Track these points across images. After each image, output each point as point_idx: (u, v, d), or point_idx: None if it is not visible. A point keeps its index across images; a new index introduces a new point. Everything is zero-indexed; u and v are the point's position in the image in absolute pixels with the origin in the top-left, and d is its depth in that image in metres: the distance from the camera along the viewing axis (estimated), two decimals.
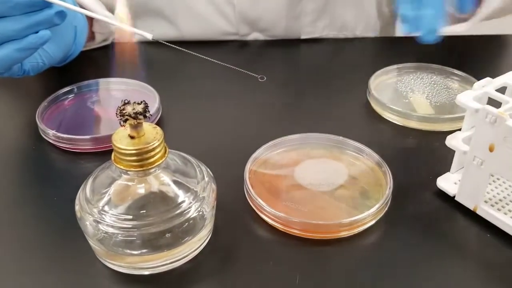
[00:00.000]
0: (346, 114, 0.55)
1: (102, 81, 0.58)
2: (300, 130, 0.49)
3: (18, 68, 0.49)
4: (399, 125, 0.52)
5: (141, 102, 0.34)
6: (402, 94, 0.56)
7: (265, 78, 0.40)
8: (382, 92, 0.55)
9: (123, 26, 0.43)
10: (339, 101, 0.57)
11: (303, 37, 0.71)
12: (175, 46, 0.40)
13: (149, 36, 0.40)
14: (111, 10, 0.69)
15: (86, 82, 0.57)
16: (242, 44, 0.71)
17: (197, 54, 0.40)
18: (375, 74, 0.57)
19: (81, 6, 0.62)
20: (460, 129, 0.42)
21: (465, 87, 0.57)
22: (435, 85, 0.58)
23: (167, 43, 0.40)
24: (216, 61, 0.40)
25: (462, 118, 0.42)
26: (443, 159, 0.45)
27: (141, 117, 0.33)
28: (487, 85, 0.40)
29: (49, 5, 0.45)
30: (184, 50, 0.40)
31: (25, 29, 0.45)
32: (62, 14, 0.46)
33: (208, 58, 0.40)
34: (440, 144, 0.43)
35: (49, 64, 0.53)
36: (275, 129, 0.51)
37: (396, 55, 0.64)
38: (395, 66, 0.59)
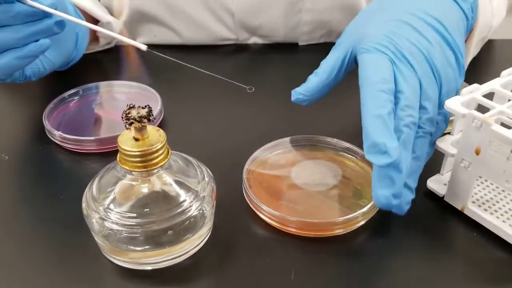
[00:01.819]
0: (341, 116, 0.56)
1: (106, 83, 0.60)
2: (297, 132, 0.50)
3: (20, 74, 0.50)
4: None
5: (145, 106, 0.35)
6: None
7: (253, 89, 0.42)
8: None
9: (118, 36, 0.44)
10: (335, 104, 0.59)
11: (301, 43, 0.72)
12: (170, 58, 0.42)
13: (143, 48, 0.41)
14: (116, 15, 0.70)
15: (90, 85, 0.59)
16: (242, 47, 0.72)
17: (196, 68, 0.41)
18: None
19: (83, 10, 0.64)
20: (449, 133, 0.44)
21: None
22: None
23: (164, 55, 0.42)
24: (209, 73, 0.41)
25: (452, 122, 0.44)
26: (433, 161, 0.47)
27: (145, 120, 0.35)
28: (474, 91, 0.42)
29: (49, 14, 0.46)
30: (182, 62, 0.42)
31: (26, 38, 0.46)
32: (61, 24, 0.47)
33: (203, 70, 0.41)
34: None
35: (50, 69, 0.54)
36: (273, 131, 0.52)
37: None
38: None
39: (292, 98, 0.47)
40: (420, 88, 0.41)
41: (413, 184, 0.40)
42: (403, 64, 0.41)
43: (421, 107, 0.41)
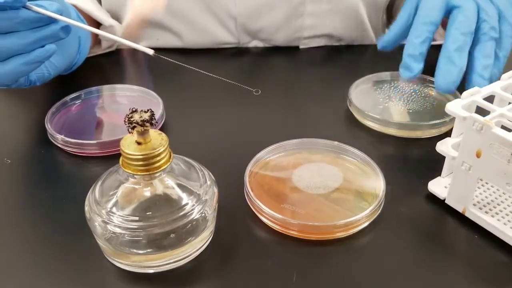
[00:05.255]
0: (342, 119, 0.57)
1: (108, 87, 0.60)
2: (299, 135, 0.50)
3: (25, 79, 0.50)
4: (393, 131, 0.54)
5: (148, 110, 0.35)
6: (379, 101, 0.57)
7: (260, 91, 0.42)
8: (361, 99, 0.56)
9: (125, 41, 0.44)
10: (336, 107, 0.59)
11: (301, 47, 0.72)
12: (177, 62, 0.42)
13: (150, 52, 0.42)
14: (118, 19, 0.70)
15: (92, 89, 0.59)
16: (242, 50, 0.72)
17: (201, 71, 0.42)
18: (355, 83, 0.59)
19: (85, 13, 0.64)
20: (444, 134, 0.44)
21: (444, 95, 0.57)
22: (413, 93, 0.59)
23: (170, 59, 0.42)
24: (216, 76, 0.42)
25: (443, 124, 0.43)
26: (434, 164, 0.47)
27: (147, 124, 0.35)
28: (475, 94, 0.42)
29: (54, 20, 0.46)
30: (189, 66, 0.42)
31: (32, 43, 0.46)
32: (67, 29, 0.47)
33: (210, 74, 0.41)
34: (432, 149, 0.44)
35: (55, 74, 0.54)
36: (274, 133, 0.52)
37: (379, 62, 0.65)
38: (373, 75, 0.61)
39: (378, 47, 0.59)
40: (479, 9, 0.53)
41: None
42: None
43: (483, 20, 0.53)
